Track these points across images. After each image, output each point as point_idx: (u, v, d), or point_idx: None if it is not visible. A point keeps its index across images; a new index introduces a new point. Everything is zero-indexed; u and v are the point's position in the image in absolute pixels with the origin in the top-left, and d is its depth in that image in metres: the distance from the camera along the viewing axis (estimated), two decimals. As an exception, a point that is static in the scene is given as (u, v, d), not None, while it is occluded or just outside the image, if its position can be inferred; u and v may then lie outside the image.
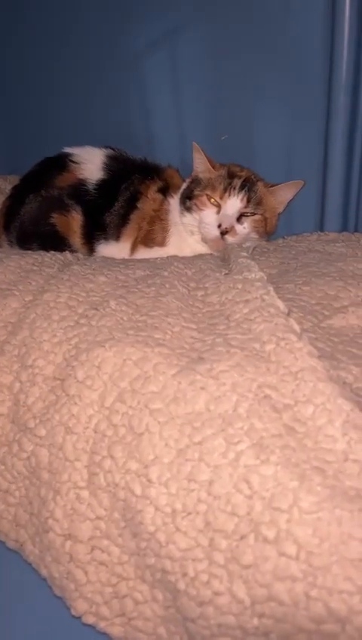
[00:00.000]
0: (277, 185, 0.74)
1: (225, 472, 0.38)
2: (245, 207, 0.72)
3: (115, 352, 0.49)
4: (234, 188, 0.72)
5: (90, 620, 0.43)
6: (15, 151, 1.09)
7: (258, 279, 0.53)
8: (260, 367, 0.44)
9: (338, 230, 0.81)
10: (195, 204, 0.73)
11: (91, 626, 0.43)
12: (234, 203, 0.72)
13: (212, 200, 0.72)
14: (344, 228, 0.83)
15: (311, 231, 0.80)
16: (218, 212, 0.72)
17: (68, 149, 0.84)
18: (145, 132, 0.90)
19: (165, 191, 0.80)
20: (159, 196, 0.80)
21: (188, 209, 0.74)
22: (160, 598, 0.41)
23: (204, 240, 0.73)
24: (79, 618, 0.43)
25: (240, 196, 0.72)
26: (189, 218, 0.74)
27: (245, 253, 0.63)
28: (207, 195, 0.72)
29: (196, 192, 0.74)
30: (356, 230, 0.83)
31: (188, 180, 0.78)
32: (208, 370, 0.45)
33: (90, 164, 0.82)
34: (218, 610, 0.36)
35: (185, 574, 0.38)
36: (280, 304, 0.49)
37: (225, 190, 0.72)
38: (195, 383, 0.44)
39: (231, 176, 0.74)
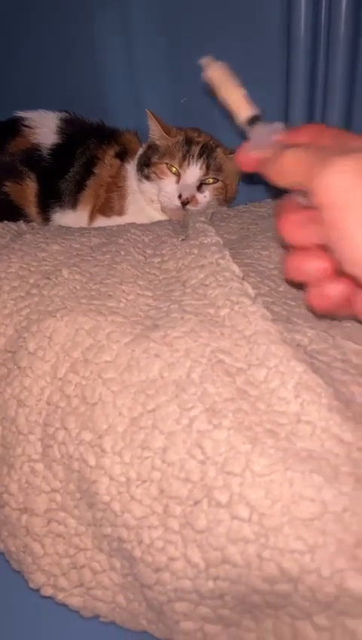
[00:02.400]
0: (231, 151, 0.72)
1: (179, 438, 0.37)
2: (205, 174, 0.70)
3: (67, 321, 0.47)
4: (193, 155, 0.70)
5: (48, 591, 0.42)
6: None
7: (214, 243, 0.52)
8: (214, 333, 0.42)
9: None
10: (154, 173, 0.71)
11: (51, 599, 0.42)
12: (193, 171, 0.69)
13: (172, 169, 0.70)
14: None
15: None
16: (177, 181, 0.70)
17: (20, 113, 0.80)
18: (99, 95, 0.86)
19: (123, 156, 0.77)
20: (116, 162, 0.77)
21: (147, 177, 0.72)
22: (117, 566, 0.40)
23: (164, 210, 0.71)
24: (37, 590, 0.42)
25: (200, 164, 0.70)
26: (148, 186, 0.72)
27: (203, 218, 0.61)
28: (166, 163, 0.70)
29: (154, 160, 0.71)
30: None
31: (144, 146, 0.75)
32: (162, 337, 0.43)
33: (44, 127, 0.78)
34: (174, 576, 0.36)
35: (140, 542, 0.37)
36: (236, 268, 0.47)
37: (183, 158, 0.70)
38: (149, 350, 0.43)
39: (189, 142, 0.71)
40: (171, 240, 0.60)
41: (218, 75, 0.39)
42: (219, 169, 0.71)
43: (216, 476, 0.34)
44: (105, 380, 0.42)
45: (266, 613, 0.35)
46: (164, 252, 0.58)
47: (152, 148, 0.73)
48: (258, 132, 0.37)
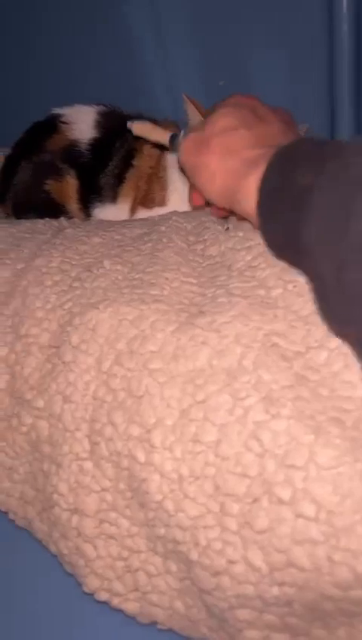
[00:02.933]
0: None
1: (233, 430, 0.34)
2: None
3: (110, 312, 0.45)
4: None
5: (103, 596, 0.40)
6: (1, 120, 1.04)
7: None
8: (266, 315, 0.39)
9: None
10: None
11: (105, 603, 0.41)
12: None
13: None
14: None
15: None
16: None
17: (57, 110, 0.79)
18: (135, 84, 0.84)
19: (162, 146, 0.75)
20: (155, 151, 0.75)
21: None
22: (173, 569, 0.38)
23: None
24: (92, 595, 0.41)
25: None
26: None
27: None
28: None
29: None
30: None
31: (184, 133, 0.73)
32: (209, 324, 0.41)
33: (82, 123, 0.77)
34: (234, 580, 0.33)
35: (196, 543, 0.35)
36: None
37: None
38: (195, 337, 0.40)
39: None
40: (214, 226, 0.57)
41: (141, 129, 0.58)
42: None
43: (276, 470, 0.31)
44: (152, 370, 0.40)
45: (339, 621, 0.32)
46: (206, 238, 0.55)
47: None
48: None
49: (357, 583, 0.29)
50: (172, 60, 0.82)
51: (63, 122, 0.78)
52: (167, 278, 0.48)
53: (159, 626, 0.39)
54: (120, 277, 0.50)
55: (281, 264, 0.43)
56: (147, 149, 0.76)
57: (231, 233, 0.52)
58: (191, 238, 0.56)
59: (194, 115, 0.70)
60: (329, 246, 0.30)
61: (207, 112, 0.69)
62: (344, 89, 0.74)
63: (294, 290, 0.39)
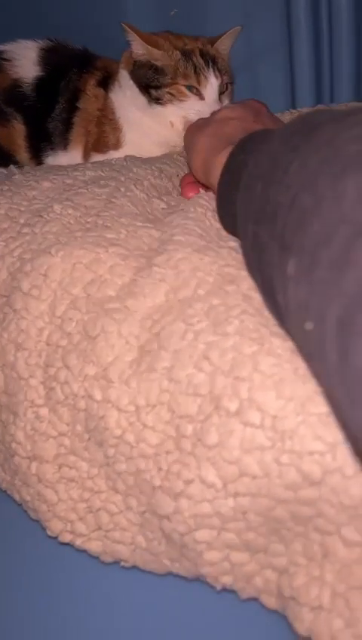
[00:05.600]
0: (217, 39, 0.78)
1: (185, 354, 0.40)
2: (221, 82, 0.75)
3: (63, 256, 0.51)
4: (203, 67, 0.74)
5: (66, 538, 0.47)
6: None
7: None
8: (220, 252, 0.45)
9: (313, 105, 0.82)
10: (170, 94, 0.75)
11: (69, 545, 0.47)
12: (213, 84, 0.75)
13: (193, 89, 0.75)
14: (318, 102, 0.84)
15: (281, 111, 0.81)
16: (200, 98, 0.75)
17: (-3, 46, 0.83)
18: (81, 17, 0.88)
19: (106, 83, 0.80)
20: (100, 91, 0.81)
21: (158, 100, 0.74)
22: (134, 504, 0.44)
23: None
24: (56, 538, 0.47)
25: (213, 74, 0.75)
26: (165, 110, 0.76)
27: None
28: (182, 84, 0.75)
29: (165, 81, 0.75)
30: (331, 102, 0.83)
31: (128, 65, 0.77)
32: (166, 261, 0.46)
33: (24, 59, 0.82)
34: (191, 500, 0.40)
35: (159, 469, 0.41)
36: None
37: (197, 74, 0.74)
38: (153, 275, 0.46)
39: (188, 54, 0.75)
40: (180, 200, 0.62)
41: None
42: (226, 69, 0.76)
43: (225, 385, 0.37)
44: (108, 310, 0.46)
45: (294, 532, 0.38)
46: (172, 204, 0.60)
47: (148, 67, 0.75)
48: None
49: (305, 482, 0.35)
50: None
51: (4, 59, 0.82)
52: (122, 223, 0.53)
53: (123, 564, 0.45)
54: (72, 221, 0.55)
55: None
56: (91, 89, 0.81)
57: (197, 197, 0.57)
58: (154, 193, 0.61)
59: (137, 43, 0.75)
60: (246, 211, 0.38)
61: (148, 37, 0.74)
62: (300, 16, 0.79)
63: None
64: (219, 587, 0.41)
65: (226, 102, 0.76)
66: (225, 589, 0.42)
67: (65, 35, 0.83)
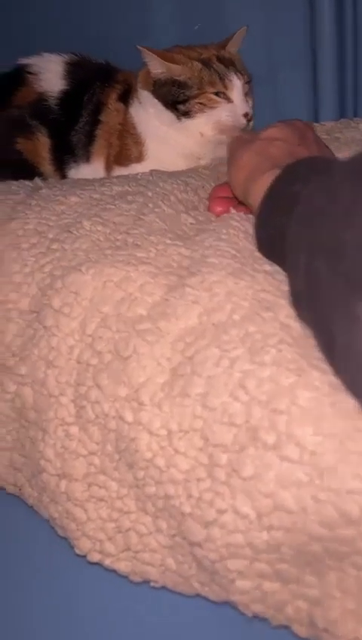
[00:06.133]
0: (226, 42, 0.78)
1: (220, 381, 0.39)
2: (244, 81, 0.75)
3: (93, 274, 0.50)
4: (225, 72, 0.74)
5: (95, 557, 0.46)
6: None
7: None
8: (256, 277, 0.44)
9: (336, 119, 0.80)
10: (200, 104, 0.74)
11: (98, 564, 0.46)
12: (238, 85, 0.74)
13: (220, 95, 0.74)
14: (341, 116, 0.82)
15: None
16: (229, 102, 0.74)
17: (23, 60, 0.82)
18: (105, 33, 0.87)
19: (126, 98, 0.79)
20: (121, 106, 0.79)
21: (187, 114, 0.73)
22: (164, 527, 0.43)
23: (225, 132, 0.74)
24: (84, 557, 0.46)
25: (235, 75, 0.74)
26: (195, 122, 0.74)
27: None
28: (210, 92, 0.74)
29: (192, 93, 0.73)
30: (355, 115, 0.82)
31: (148, 87, 0.76)
32: (200, 282, 0.45)
33: (49, 73, 0.80)
34: (224, 530, 0.38)
35: (189, 496, 0.40)
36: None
37: (222, 79, 0.74)
38: (186, 296, 0.45)
39: (207, 62, 0.74)
40: (209, 216, 0.61)
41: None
42: (244, 69, 0.76)
43: (262, 416, 0.36)
44: (140, 331, 0.45)
45: (328, 566, 0.37)
46: (201, 219, 0.58)
47: (170, 84, 0.74)
48: None
49: (342, 521, 0.34)
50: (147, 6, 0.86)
51: (30, 73, 0.81)
52: (152, 241, 0.52)
53: (152, 584, 0.44)
54: (101, 238, 0.54)
55: None
56: (112, 103, 0.79)
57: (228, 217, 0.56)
58: (181, 207, 0.60)
59: (155, 62, 0.73)
60: (298, 241, 0.37)
61: (165, 55, 0.73)
62: (325, 29, 0.78)
63: None
64: (249, 614, 0.41)
65: (250, 101, 0.75)
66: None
67: (90, 48, 0.82)
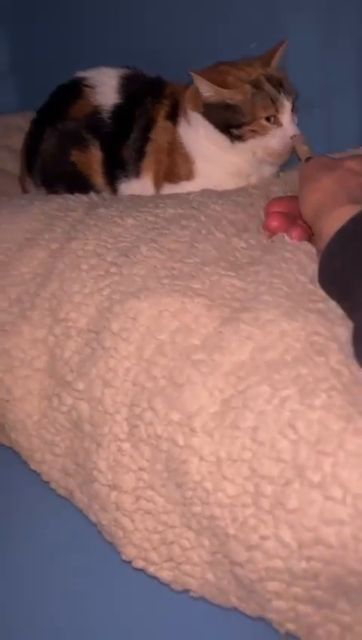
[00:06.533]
0: (271, 57, 0.76)
1: (270, 417, 0.42)
2: (292, 102, 0.74)
3: (151, 303, 0.52)
4: (275, 96, 0.73)
5: (139, 564, 0.50)
6: (28, 83, 1.10)
7: (307, 247, 0.55)
8: (309, 317, 0.46)
9: None
10: (253, 131, 0.74)
11: (141, 570, 0.50)
12: (287, 108, 0.74)
13: (271, 120, 0.74)
14: None
15: (356, 146, 0.80)
16: (279, 125, 0.74)
17: (81, 73, 0.84)
18: (161, 47, 0.89)
19: (173, 114, 0.80)
20: (169, 124, 0.80)
21: (240, 138, 0.75)
22: (206, 544, 0.46)
23: (272, 156, 0.75)
24: (130, 562, 0.50)
25: (284, 97, 0.73)
26: (247, 145, 0.75)
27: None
28: (263, 118, 0.74)
29: (245, 120, 0.74)
30: None
31: (198, 108, 0.77)
32: (254, 320, 0.48)
33: (105, 86, 0.82)
34: (265, 555, 0.41)
35: (234, 519, 0.43)
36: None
37: (273, 103, 0.73)
38: (240, 332, 0.47)
39: (258, 84, 0.74)
40: (259, 236, 0.62)
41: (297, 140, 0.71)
42: (290, 85, 0.75)
43: (309, 456, 0.39)
44: (194, 361, 0.48)
45: None
46: (252, 242, 0.60)
47: (222, 107, 0.75)
48: None
49: (379, 558, 0.37)
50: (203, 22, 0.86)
51: (87, 86, 0.83)
52: (206, 272, 0.55)
53: (192, 594, 0.48)
54: (158, 265, 0.57)
55: None
56: (161, 121, 0.80)
57: (280, 247, 0.58)
58: (231, 230, 0.62)
59: (205, 86, 0.74)
60: None
61: (216, 78, 0.74)
62: None
63: (337, 307, 0.47)
64: (282, 632, 0.44)
65: (296, 119, 0.74)
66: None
67: (145, 62, 0.84)
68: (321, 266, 0.49)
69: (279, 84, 0.74)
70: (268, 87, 0.74)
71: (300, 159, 0.67)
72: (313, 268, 0.52)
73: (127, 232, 0.63)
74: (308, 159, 0.63)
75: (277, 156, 0.75)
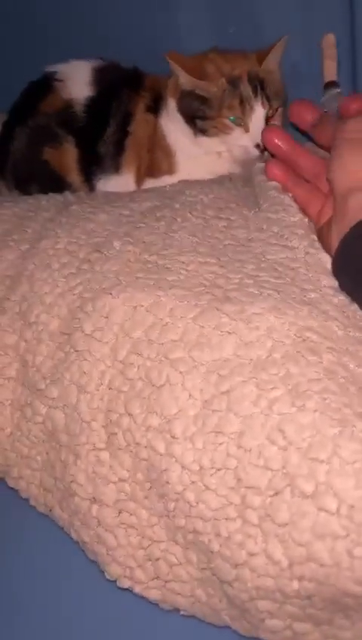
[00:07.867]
0: (265, 54, 0.69)
1: (257, 422, 0.37)
2: (269, 108, 0.68)
3: (124, 299, 0.47)
4: (250, 97, 0.67)
5: (125, 583, 0.44)
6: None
7: (299, 225, 0.50)
8: (301, 311, 0.41)
9: None
10: (215, 128, 0.68)
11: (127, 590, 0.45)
12: (259, 113, 0.67)
13: (237, 120, 0.68)
14: None
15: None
16: (246, 129, 0.68)
17: (51, 67, 0.79)
18: (138, 36, 0.83)
19: (155, 107, 0.74)
20: (150, 117, 0.74)
21: (203, 131, 0.69)
22: (194, 560, 0.41)
23: (236, 161, 0.69)
24: (114, 582, 0.45)
25: (260, 102, 0.67)
26: (209, 141, 0.70)
27: (275, 183, 0.58)
28: (227, 117, 0.68)
29: (209, 114, 0.68)
30: None
31: (176, 95, 0.71)
32: (237, 312, 0.43)
33: (76, 80, 0.76)
34: (254, 573, 0.37)
35: (218, 535, 0.38)
36: (326, 259, 0.46)
37: (243, 104, 0.67)
38: (222, 326, 0.42)
39: (235, 81, 0.67)
40: (240, 209, 0.58)
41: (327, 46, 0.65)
42: (277, 92, 0.68)
43: (300, 463, 0.34)
44: (173, 360, 0.42)
45: (362, 613, 0.35)
46: (232, 218, 0.55)
47: (194, 96, 0.69)
48: (327, 96, 0.59)
49: (379, 576, 0.32)
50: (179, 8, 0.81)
51: (58, 80, 0.77)
52: (183, 262, 0.49)
53: (182, 613, 0.43)
54: (132, 259, 0.52)
55: (322, 271, 0.45)
56: (140, 113, 0.74)
57: (264, 225, 0.53)
58: (210, 212, 0.57)
59: (185, 77, 0.69)
60: None
61: (193, 67, 0.68)
62: None
63: (332, 295, 0.41)
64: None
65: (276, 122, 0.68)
66: None
67: (114, 52, 0.79)
68: (341, 249, 0.43)
69: (260, 86, 0.68)
70: (244, 87, 0.67)
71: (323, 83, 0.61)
72: (306, 251, 0.47)
73: (100, 227, 0.57)
74: (331, 84, 0.55)
75: (240, 162, 0.69)
